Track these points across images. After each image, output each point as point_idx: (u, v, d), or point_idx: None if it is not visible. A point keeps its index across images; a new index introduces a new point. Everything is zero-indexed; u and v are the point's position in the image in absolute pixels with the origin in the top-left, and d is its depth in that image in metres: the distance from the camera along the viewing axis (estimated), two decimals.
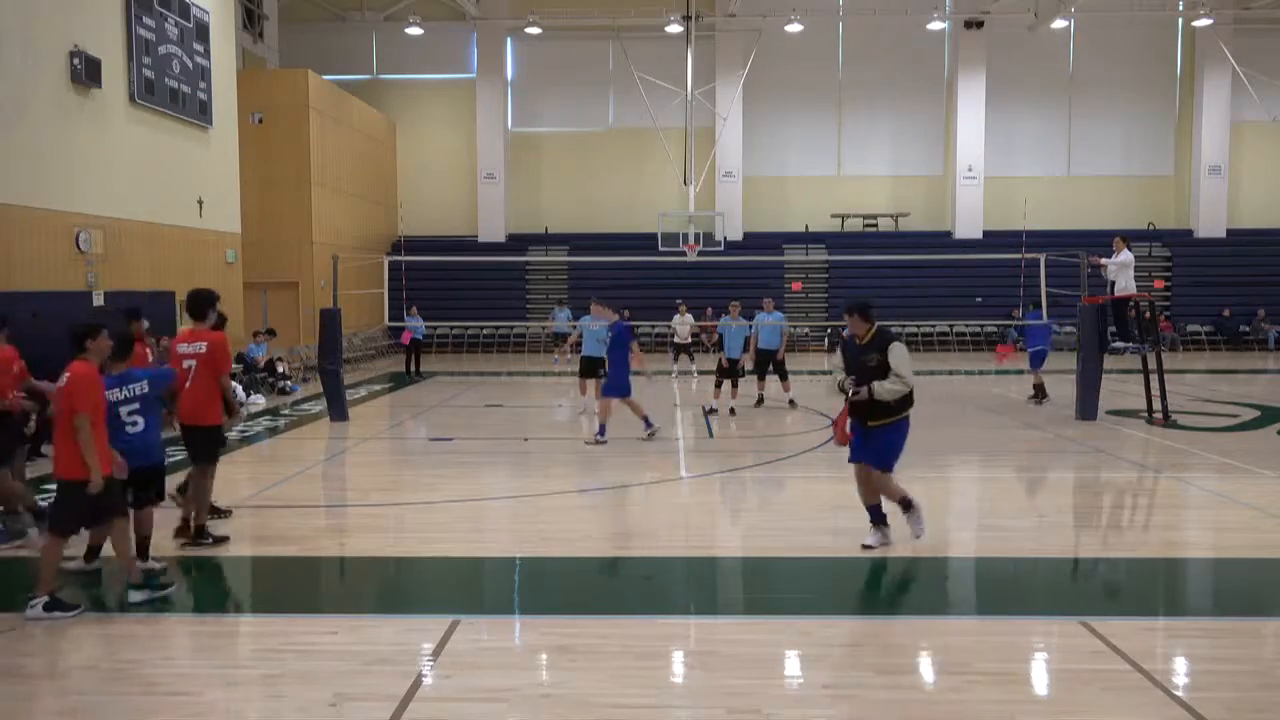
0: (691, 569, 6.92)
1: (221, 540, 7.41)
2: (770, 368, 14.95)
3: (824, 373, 21.95)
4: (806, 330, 27.88)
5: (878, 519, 7.21)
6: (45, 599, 5.76)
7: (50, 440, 6.70)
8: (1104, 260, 13.96)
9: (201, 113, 17.53)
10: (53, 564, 5.95)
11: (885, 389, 6.74)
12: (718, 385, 14.57)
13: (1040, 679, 5.01)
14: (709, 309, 23.17)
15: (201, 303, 7.46)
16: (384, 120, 28.88)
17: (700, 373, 20.05)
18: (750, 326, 14.80)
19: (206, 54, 17.70)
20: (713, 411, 14.42)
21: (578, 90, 30.24)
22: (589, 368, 14.23)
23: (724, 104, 28.41)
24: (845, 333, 7.30)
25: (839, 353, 7.28)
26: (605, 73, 29.99)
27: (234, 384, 15.56)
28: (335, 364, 14.43)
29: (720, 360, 14.61)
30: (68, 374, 5.92)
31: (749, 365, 14.86)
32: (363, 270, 22.78)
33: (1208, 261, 28.75)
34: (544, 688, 4.82)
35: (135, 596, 6.02)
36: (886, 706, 4.54)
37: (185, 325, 9.24)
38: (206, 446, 7.42)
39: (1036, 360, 15.59)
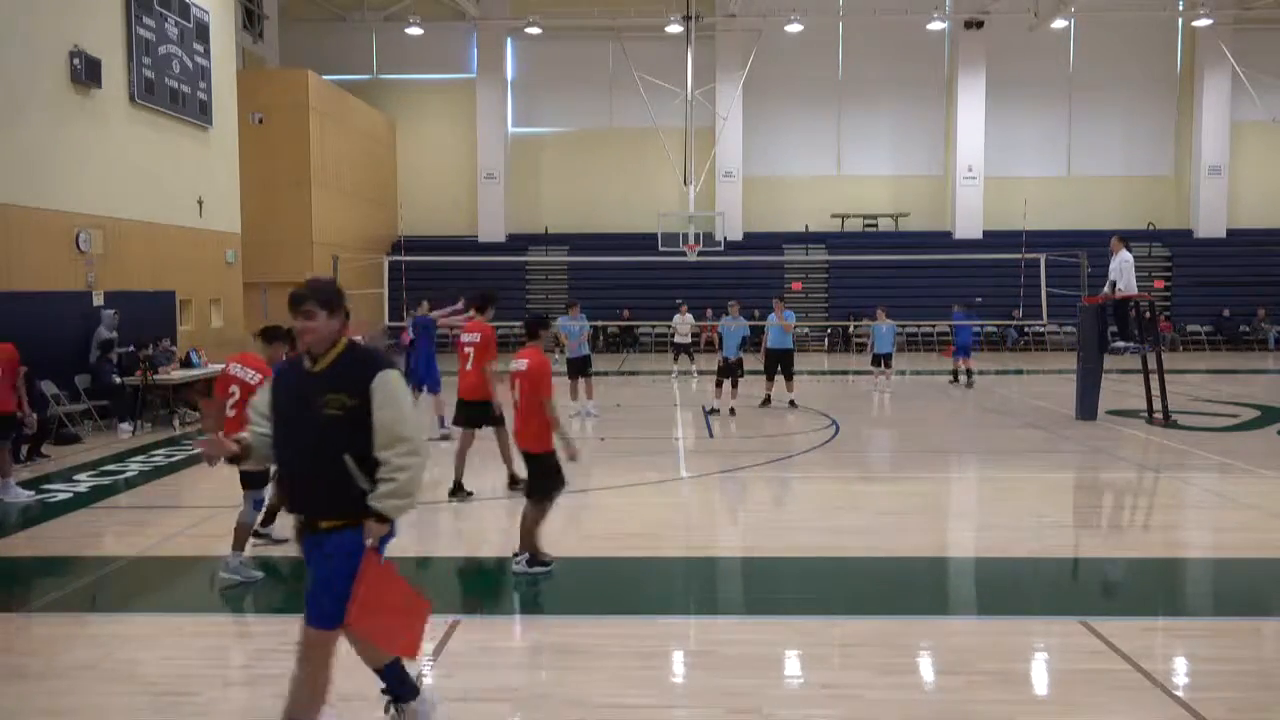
0: (691, 569, 6.91)
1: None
2: (779, 368, 14.99)
3: (824, 372, 21.95)
4: (806, 330, 27.88)
5: (396, 689, 4.22)
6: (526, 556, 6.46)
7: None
8: (1108, 292, 13.81)
9: (201, 113, 17.52)
10: (533, 531, 6.47)
11: (390, 490, 3.73)
12: (718, 385, 14.58)
13: (1040, 679, 5.01)
14: (709, 309, 23.18)
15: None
16: (384, 120, 28.88)
17: (700, 373, 20.04)
18: (748, 326, 14.85)
19: (206, 54, 17.70)
20: (713, 411, 14.42)
21: (578, 90, 30.23)
22: (577, 367, 14.33)
23: (724, 104, 28.41)
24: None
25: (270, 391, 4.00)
26: (605, 73, 29.99)
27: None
28: None
29: (720, 360, 14.61)
30: (526, 360, 6.45)
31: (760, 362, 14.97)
32: (363, 270, 22.78)
33: (1208, 261, 28.75)
34: (544, 688, 4.82)
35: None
36: (886, 706, 4.53)
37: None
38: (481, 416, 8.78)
39: (962, 350, 18.44)
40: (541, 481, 6.51)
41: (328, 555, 3.74)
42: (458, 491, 8.79)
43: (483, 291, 9.23)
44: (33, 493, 9.23)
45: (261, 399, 3.98)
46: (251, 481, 6.62)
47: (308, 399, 3.73)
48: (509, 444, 8.43)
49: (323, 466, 3.72)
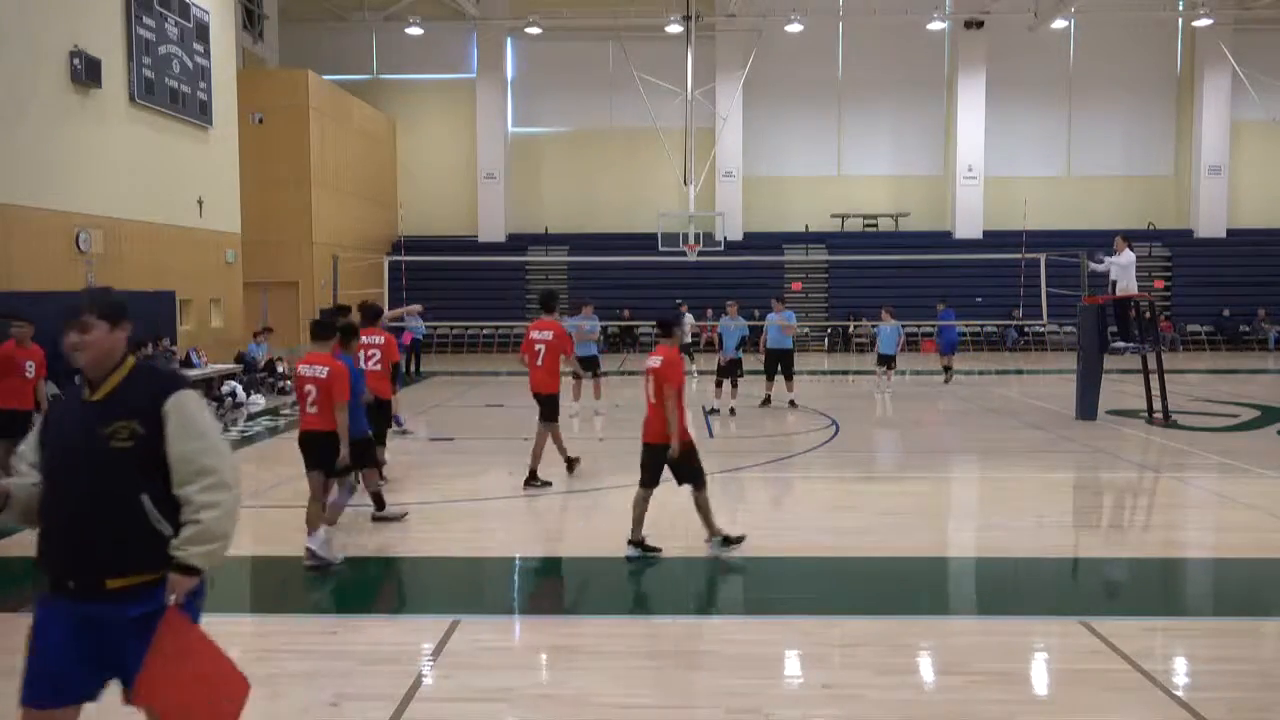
0: (691, 569, 6.91)
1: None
2: (779, 368, 15.02)
3: (824, 372, 21.95)
4: (806, 330, 27.88)
5: None
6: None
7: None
8: (1102, 258, 13.94)
9: (201, 113, 17.52)
10: (709, 514, 6.93)
11: (193, 535, 3.09)
12: (718, 385, 14.59)
13: (1040, 679, 5.01)
14: (709, 309, 23.19)
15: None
16: (384, 120, 28.89)
17: (700, 373, 20.04)
18: (747, 326, 14.95)
19: (206, 54, 17.70)
20: (713, 411, 14.42)
21: (578, 90, 30.23)
22: (585, 367, 14.33)
23: (724, 104, 28.41)
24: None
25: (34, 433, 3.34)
26: (605, 73, 29.99)
27: (233, 384, 15.69)
28: None
29: (719, 359, 14.62)
30: (661, 357, 6.86)
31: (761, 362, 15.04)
32: (363, 270, 22.78)
33: (1208, 261, 28.76)
34: (544, 688, 4.82)
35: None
36: (886, 706, 4.53)
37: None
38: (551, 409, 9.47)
39: (948, 348, 18.88)
40: (690, 468, 6.92)
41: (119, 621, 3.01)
42: (533, 480, 9.28)
43: (549, 290, 10.11)
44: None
45: (29, 442, 3.26)
46: (332, 469, 6.97)
47: (89, 432, 3.05)
48: (558, 438, 9.54)
49: (111, 512, 3.02)
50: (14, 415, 9.07)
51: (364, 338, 8.57)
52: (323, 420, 6.85)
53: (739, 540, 7.03)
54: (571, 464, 9.80)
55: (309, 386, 6.88)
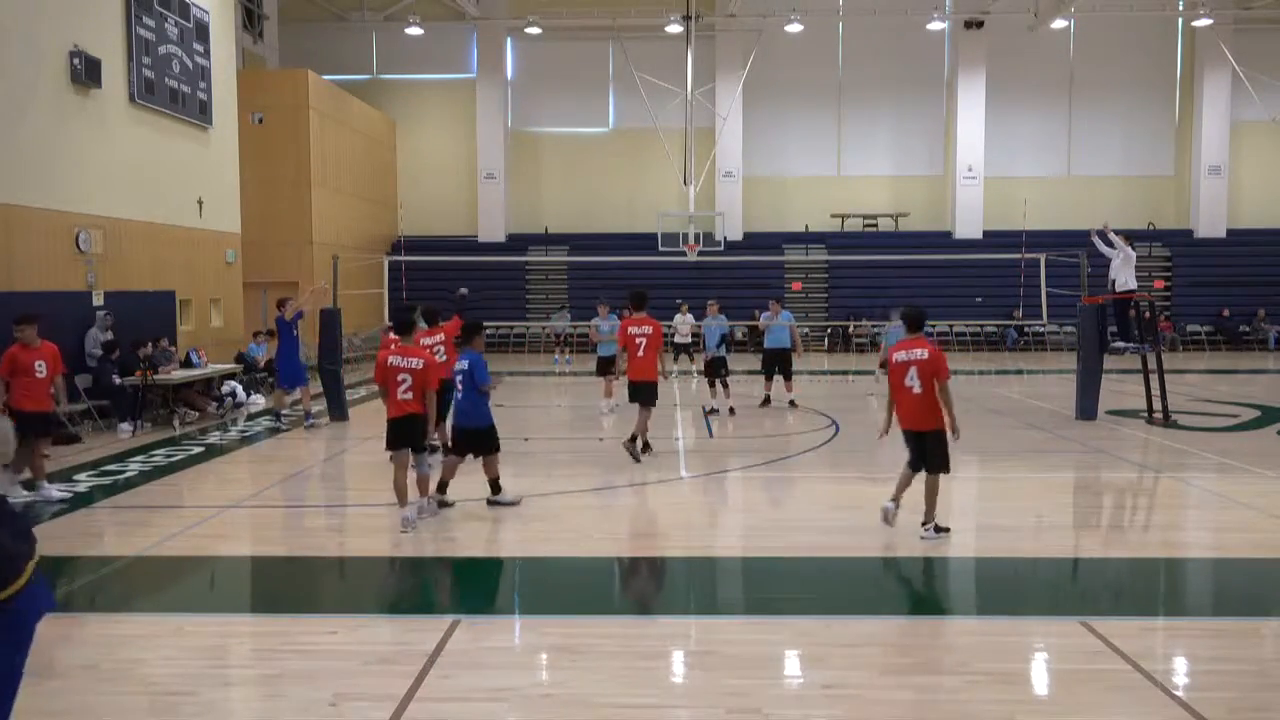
0: (691, 569, 6.91)
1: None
2: (778, 368, 15.05)
3: (824, 372, 21.95)
4: (806, 330, 27.88)
5: None
6: None
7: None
8: (1111, 239, 13.78)
9: (201, 113, 17.52)
10: (935, 501, 7.44)
11: None
12: (710, 385, 14.73)
13: (1040, 679, 5.01)
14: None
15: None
16: (384, 120, 28.88)
17: (700, 373, 20.05)
18: (728, 324, 15.31)
19: (206, 54, 17.70)
20: (713, 411, 14.43)
21: (578, 90, 30.23)
22: (604, 366, 15.03)
23: (724, 104, 28.41)
24: None
25: None
26: (605, 73, 29.99)
27: (233, 384, 15.69)
28: (335, 364, 14.46)
29: (704, 358, 14.95)
30: (926, 350, 7.42)
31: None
32: (363, 270, 22.77)
33: (1208, 261, 28.75)
34: (544, 688, 4.82)
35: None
36: (886, 706, 4.53)
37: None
38: (651, 395, 10.68)
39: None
40: (940, 455, 7.40)
41: None
42: (633, 442, 10.64)
43: (638, 291, 11.07)
44: (66, 490, 9.35)
45: None
46: (418, 446, 7.96)
47: None
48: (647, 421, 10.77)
49: None
50: (31, 417, 9.01)
51: (426, 338, 9.97)
52: (415, 405, 7.82)
53: (947, 531, 7.46)
54: (646, 448, 10.86)
55: (403, 375, 7.77)
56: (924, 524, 7.41)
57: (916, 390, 7.41)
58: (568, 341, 24.06)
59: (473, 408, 8.38)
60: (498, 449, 8.59)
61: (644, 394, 10.64)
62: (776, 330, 15.06)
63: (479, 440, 8.43)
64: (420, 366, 7.81)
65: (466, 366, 8.35)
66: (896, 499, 7.63)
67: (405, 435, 7.90)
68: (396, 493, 7.89)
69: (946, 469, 7.44)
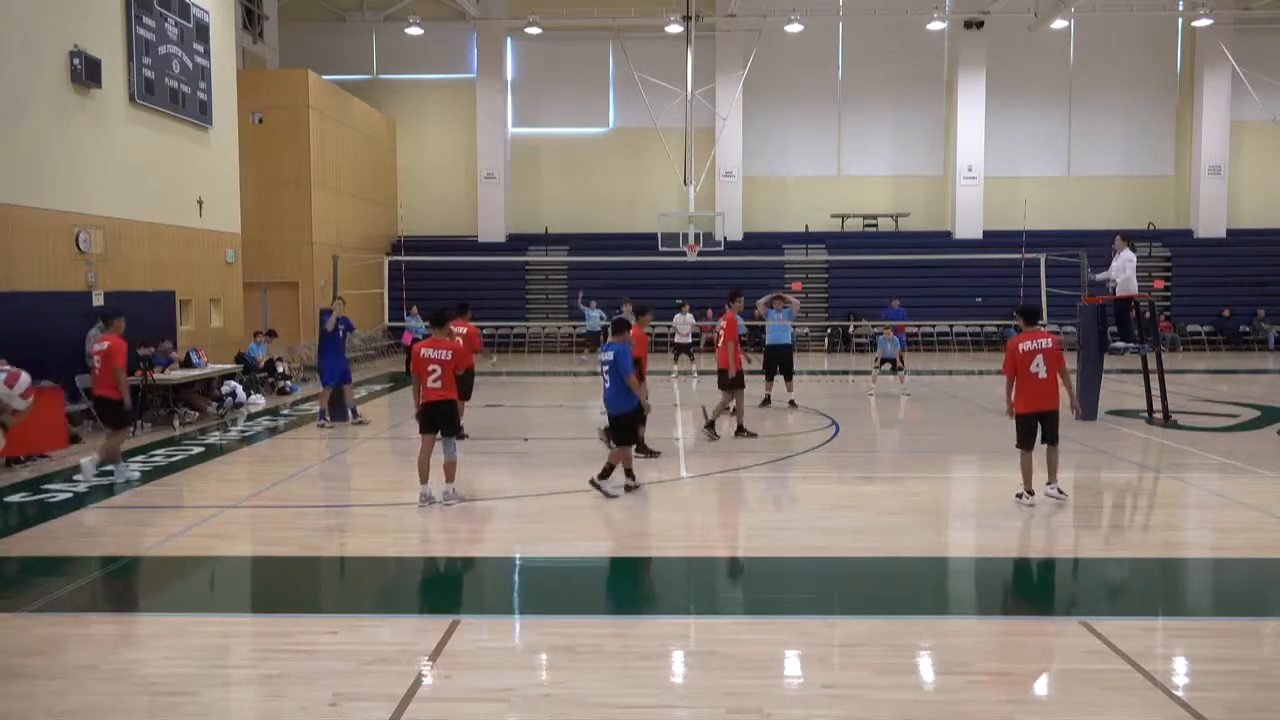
0: (691, 569, 6.91)
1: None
2: (778, 368, 15.04)
3: (825, 372, 21.94)
4: (806, 330, 27.89)
5: None
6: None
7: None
8: (1103, 276, 13.93)
9: (201, 113, 17.52)
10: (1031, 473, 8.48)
11: None
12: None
13: (1040, 679, 5.01)
14: (709, 309, 23.20)
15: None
16: (384, 120, 28.88)
17: (700, 373, 20.06)
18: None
19: (206, 54, 17.70)
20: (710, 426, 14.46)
21: (578, 90, 30.23)
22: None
23: (724, 104, 28.41)
24: None
25: None
26: (605, 73, 29.99)
27: (233, 383, 15.68)
28: None
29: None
30: (1049, 339, 8.38)
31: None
32: (363, 270, 22.79)
33: (1208, 261, 28.75)
34: (544, 688, 4.82)
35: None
36: (886, 706, 4.53)
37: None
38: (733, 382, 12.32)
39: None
40: (1057, 429, 8.43)
41: None
42: (710, 428, 12.22)
43: (735, 289, 12.86)
44: (136, 472, 10.26)
45: None
46: (449, 431, 8.75)
47: None
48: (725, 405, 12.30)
49: None
50: (114, 404, 9.99)
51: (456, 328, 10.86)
52: (444, 392, 8.55)
53: (1064, 495, 8.49)
54: (713, 430, 12.20)
55: (433, 366, 8.49)
56: (1048, 483, 8.46)
57: (1042, 375, 8.26)
58: (586, 340, 24.16)
59: (616, 396, 8.99)
60: (630, 441, 9.21)
61: (723, 380, 12.31)
62: (775, 330, 15.06)
63: (618, 427, 9.06)
64: (449, 357, 8.56)
65: (611, 357, 8.95)
66: (1030, 489, 8.42)
67: (434, 420, 8.63)
68: (419, 470, 8.73)
69: (1056, 438, 8.47)
